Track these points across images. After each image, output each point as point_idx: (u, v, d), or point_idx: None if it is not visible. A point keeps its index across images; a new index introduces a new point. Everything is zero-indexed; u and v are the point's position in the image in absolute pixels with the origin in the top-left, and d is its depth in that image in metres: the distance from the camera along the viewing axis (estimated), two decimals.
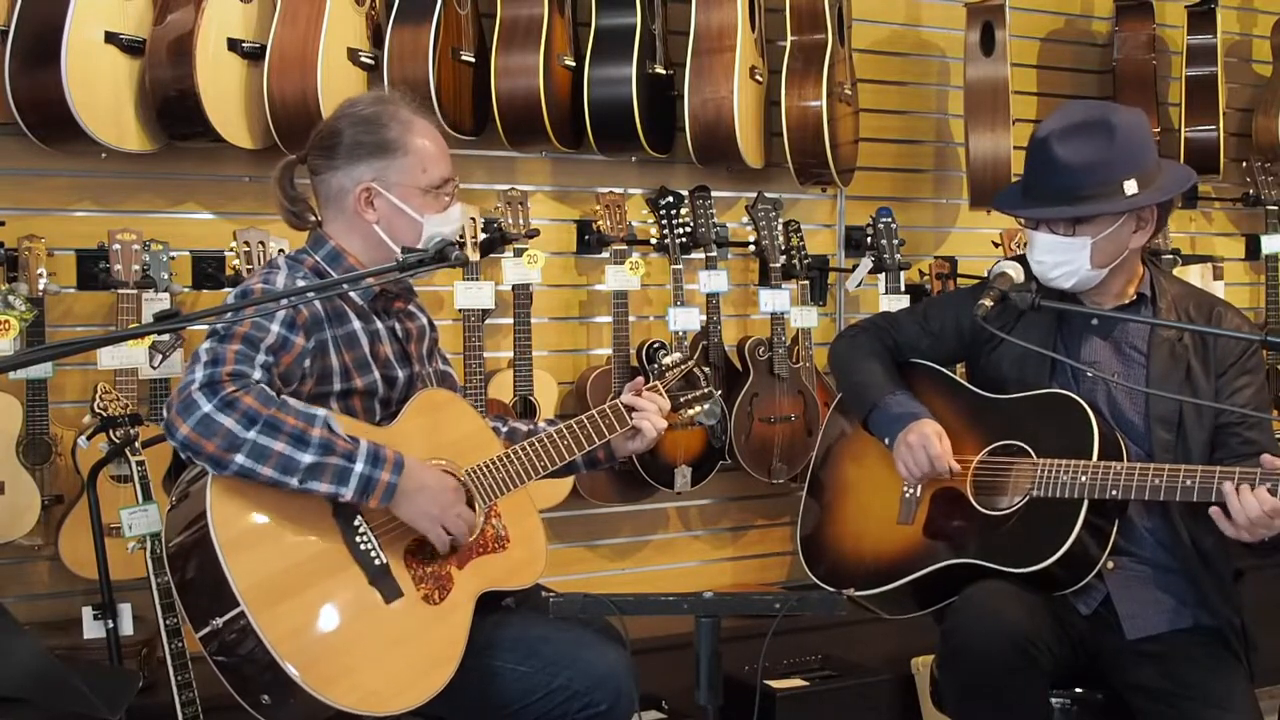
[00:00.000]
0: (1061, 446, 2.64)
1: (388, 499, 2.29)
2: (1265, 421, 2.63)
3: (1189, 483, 2.49)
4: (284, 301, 2.32)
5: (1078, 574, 2.62)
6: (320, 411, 2.29)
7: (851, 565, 2.90)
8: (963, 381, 2.90)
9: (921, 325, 2.97)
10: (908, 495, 2.81)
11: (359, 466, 2.26)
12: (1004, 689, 2.52)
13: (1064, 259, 2.64)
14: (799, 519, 3.05)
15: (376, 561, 2.33)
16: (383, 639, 2.30)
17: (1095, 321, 2.72)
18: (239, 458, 2.20)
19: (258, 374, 2.26)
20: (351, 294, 2.45)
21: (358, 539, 2.32)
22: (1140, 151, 2.65)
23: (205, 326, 2.30)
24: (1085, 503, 2.57)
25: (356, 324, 2.46)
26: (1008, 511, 2.68)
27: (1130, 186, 2.60)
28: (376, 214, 2.47)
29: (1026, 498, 2.65)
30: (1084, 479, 2.57)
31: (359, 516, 2.33)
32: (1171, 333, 2.68)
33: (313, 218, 2.58)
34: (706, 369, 2.97)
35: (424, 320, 2.67)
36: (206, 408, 2.19)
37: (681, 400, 2.80)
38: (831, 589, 2.87)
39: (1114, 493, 2.55)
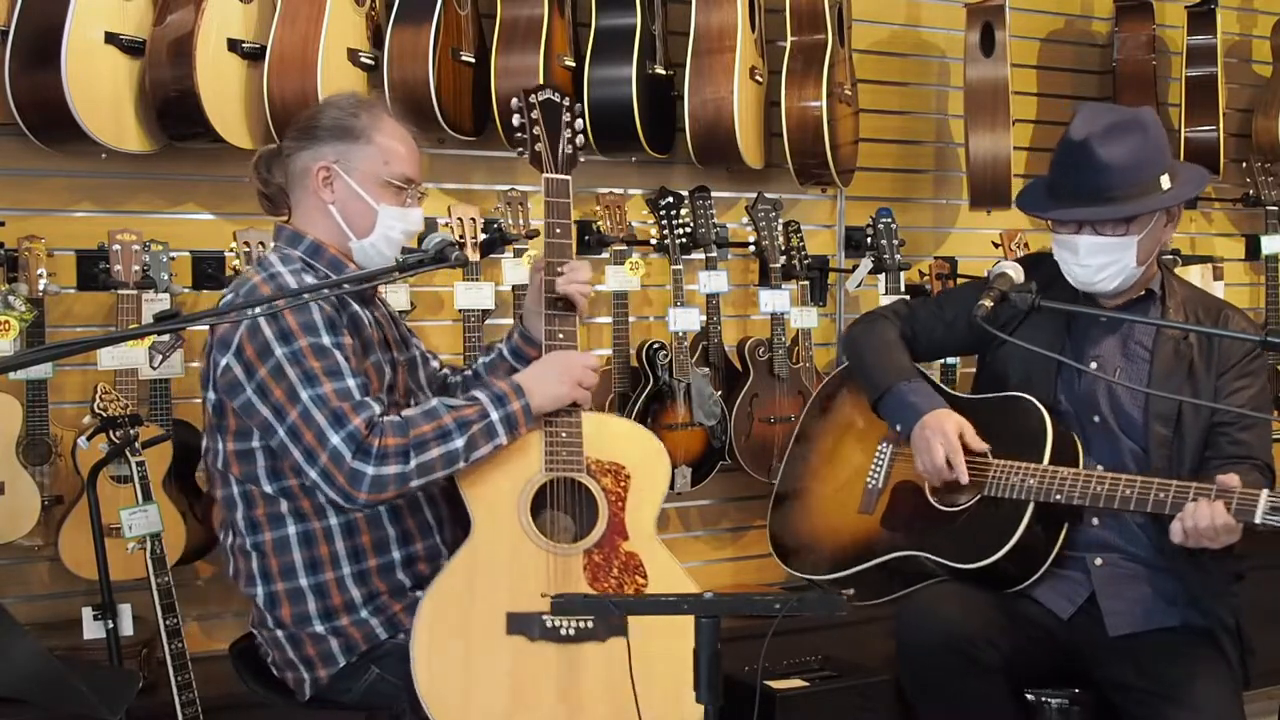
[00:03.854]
0: (1018, 448, 2.68)
1: (530, 419, 2.44)
2: (1258, 425, 2.64)
3: (1128, 492, 2.53)
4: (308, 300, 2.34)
5: (1027, 571, 2.67)
6: (434, 401, 2.41)
7: (813, 551, 3.00)
8: (932, 379, 2.95)
9: (937, 314, 3.01)
10: (870, 486, 2.86)
11: (495, 414, 2.40)
12: (946, 686, 2.59)
13: (1112, 259, 2.66)
14: (769, 505, 3.15)
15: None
16: None
17: (1104, 319, 2.73)
18: (414, 483, 2.33)
19: (376, 407, 2.34)
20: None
21: None
22: (1167, 147, 2.71)
23: (207, 326, 2.30)
24: (1031, 505, 2.62)
25: (355, 307, 2.48)
26: (959, 509, 2.75)
27: (1165, 182, 2.65)
28: (334, 195, 2.49)
29: (978, 496, 2.69)
30: (1032, 482, 2.62)
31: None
32: (1177, 331, 2.69)
33: (285, 203, 2.59)
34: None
35: (385, 309, 2.68)
36: (371, 471, 2.29)
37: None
38: (797, 573, 3.03)
39: (1058, 498, 2.59)
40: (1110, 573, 2.68)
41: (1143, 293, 2.75)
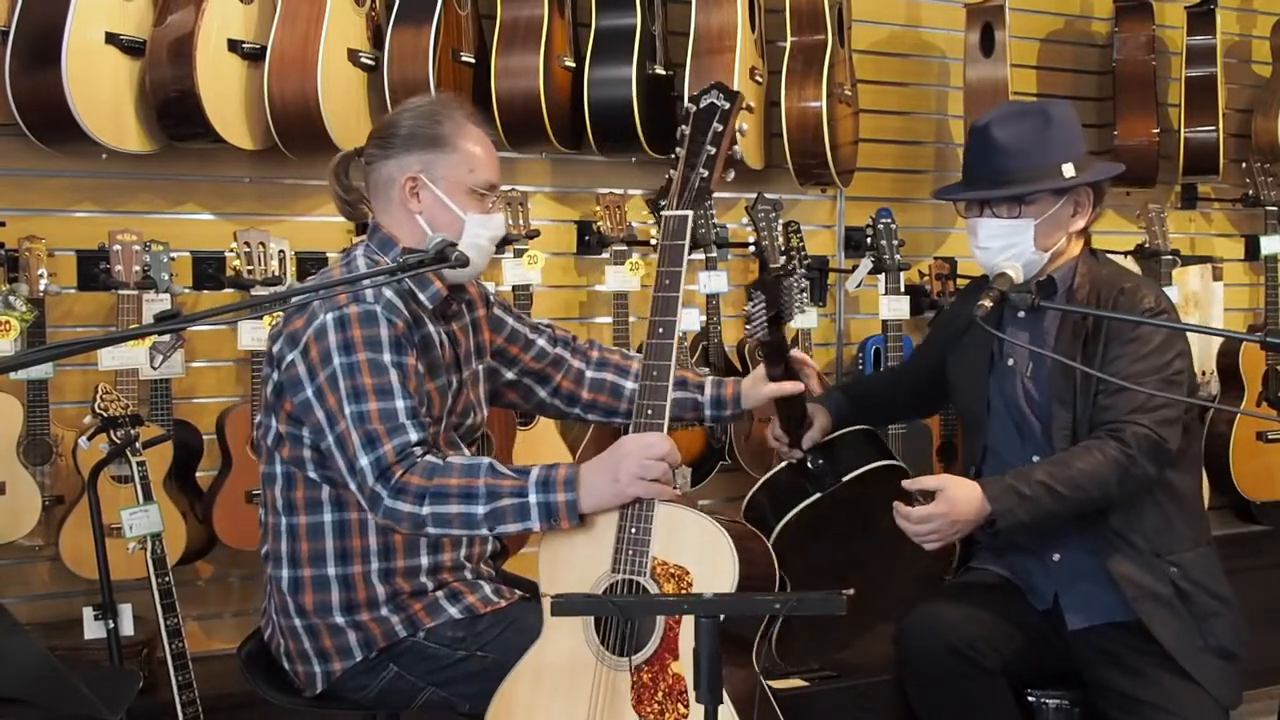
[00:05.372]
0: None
1: (574, 515, 2.28)
2: (1124, 390, 2.59)
3: None
4: (383, 322, 2.33)
5: None
6: (484, 460, 2.32)
7: None
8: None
9: (922, 344, 3.14)
10: None
11: (533, 498, 2.28)
12: (950, 691, 2.61)
13: (1009, 242, 2.68)
14: None
15: None
16: None
17: (1022, 314, 2.76)
18: (429, 529, 2.28)
19: (414, 435, 2.29)
20: (421, 297, 2.45)
21: None
22: (1075, 139, 2.74)
23: (207, 326, 2.30)
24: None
25: (430, 327, 2.47)
26: None
27: (1068, 170, 2.67)
28: (420, 205, 2.47)
29: None
30: None
31: None
32: (1076, 315, 2.72)
33: (365, 208, 2.58)
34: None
35: (468, 317, 2.62)
36: (386, 500, 2.27)
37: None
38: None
39: None
40: (1067, 568, 2.71)
41: (1043, 279, 2.75)
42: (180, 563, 3.30)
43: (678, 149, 2.43)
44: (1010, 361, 2.78)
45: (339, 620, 2.44)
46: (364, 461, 2.27)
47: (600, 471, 2.29)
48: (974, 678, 2.60)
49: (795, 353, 2.68)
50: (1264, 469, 4.62)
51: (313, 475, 2.43)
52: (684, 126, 2.42)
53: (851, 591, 2.55)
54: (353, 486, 2.32)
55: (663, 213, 2.37)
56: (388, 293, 2.39)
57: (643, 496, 2.28)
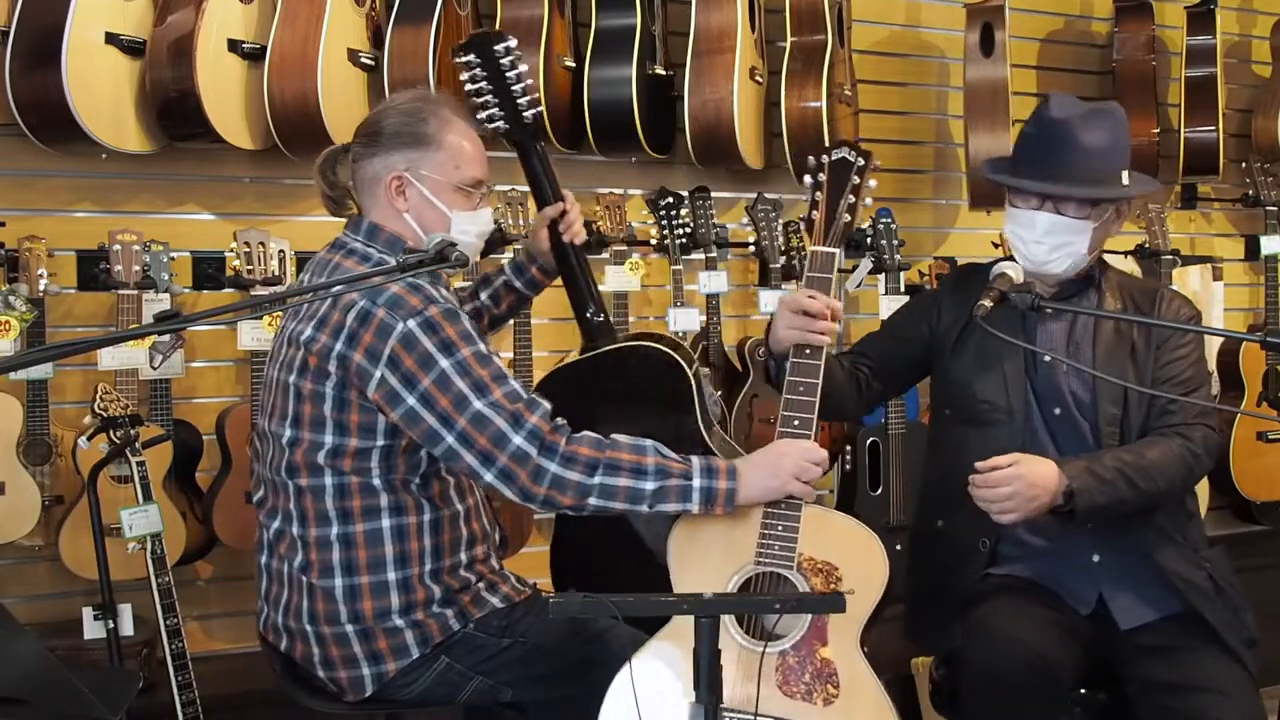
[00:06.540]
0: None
1: (730, 503, 2.40)
2: (1189, 398, 2.65)
3: None
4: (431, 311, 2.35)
5: None
6: (647, 441, 2.41)
7: None
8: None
9: (884, 330, 3.03)
10: None
11: (697, 482, 2.39)
12: (1026, 712, 2.50)
13: (1066, 240, 2.67)
14: None
15: None
16: None
17: (1050, 311, 2.75)
18: (592, 500, 2.36)
19: (546, 404, 2.38)
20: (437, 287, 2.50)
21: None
22: (1129, 146, 2.75)
23: (207, 326, 2.30)
24: None
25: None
26: None
27: (1125, 177, 2.68)
28: (407, 203, 2.49)
29: None
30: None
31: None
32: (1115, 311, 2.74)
33: (351, 204, 2.60)
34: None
35: None
36: (555, 469, 2.33)
37: None
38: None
39: None
40: (1110, 567, 2.68)
41: (1081, 278, 2.77)
42: (180, 563, 3.30)
43: (816, 193, 2.65)
44: (1046, 358, 2.75)
45: (398, 622, 2.44)
46: (518, 439, 2.31)
47: (760, 467, 2.42)
48: (1050, 695, 2.51)
49: (566, 192, 2.92)
50: (1264, 469, 4.63)
51: (375, 483, 2.42)
52: (819, 175, 2.66)
53: (853, 591, 2.55)
54: (490, 477, 2.33)
55: (811, 248, 2.62)
56: (442, 289, 2.44)
57: (796, 495, 2.43)
